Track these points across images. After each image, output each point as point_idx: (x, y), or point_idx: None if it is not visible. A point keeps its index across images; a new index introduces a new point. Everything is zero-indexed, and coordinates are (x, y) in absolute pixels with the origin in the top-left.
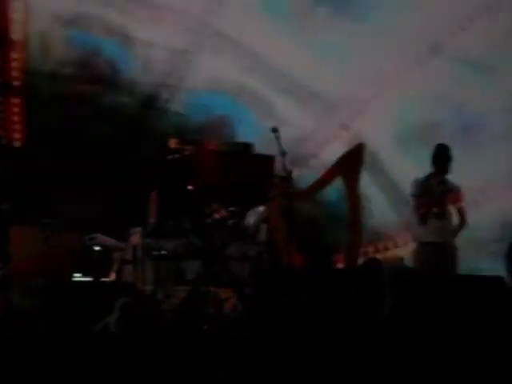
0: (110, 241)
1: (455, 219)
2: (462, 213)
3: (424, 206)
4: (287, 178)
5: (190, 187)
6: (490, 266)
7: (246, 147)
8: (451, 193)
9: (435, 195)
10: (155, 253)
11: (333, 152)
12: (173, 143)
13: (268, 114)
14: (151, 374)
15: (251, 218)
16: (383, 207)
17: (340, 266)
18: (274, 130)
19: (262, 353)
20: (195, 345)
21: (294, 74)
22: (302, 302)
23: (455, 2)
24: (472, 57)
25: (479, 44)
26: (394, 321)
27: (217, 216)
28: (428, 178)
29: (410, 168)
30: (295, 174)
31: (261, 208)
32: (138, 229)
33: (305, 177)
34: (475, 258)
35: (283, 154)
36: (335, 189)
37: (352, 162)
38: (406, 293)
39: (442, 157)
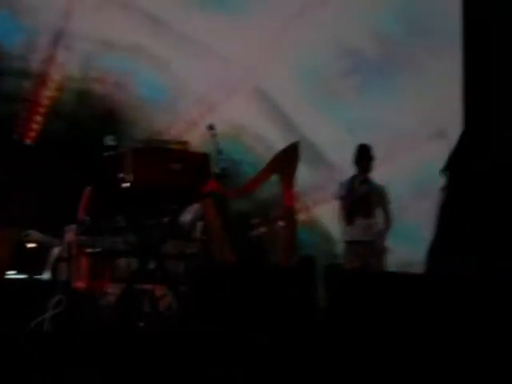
0: (44, 238)
1: (381, 218)
2: (387, 212)
3: (349, 206)
4: (223, 175)
5: (125, 185)
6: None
7: (182, 144)
8: (375, 194)
9: (359, 195)
10: (90, 250)
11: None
12: (109, 140)
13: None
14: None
15: (187, 216)
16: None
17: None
18: (211, 128)
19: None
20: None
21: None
22: (235, 299)
23: None
24: None
25: None
26: (327, 318)
27: None
28: (351, 179)
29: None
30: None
31: (197, 206)
32: (73, 226)
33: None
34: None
35: (219, 152)
36: (270, 186)
37: (288, 159)
38: (339, 290)
39: (363, 157)
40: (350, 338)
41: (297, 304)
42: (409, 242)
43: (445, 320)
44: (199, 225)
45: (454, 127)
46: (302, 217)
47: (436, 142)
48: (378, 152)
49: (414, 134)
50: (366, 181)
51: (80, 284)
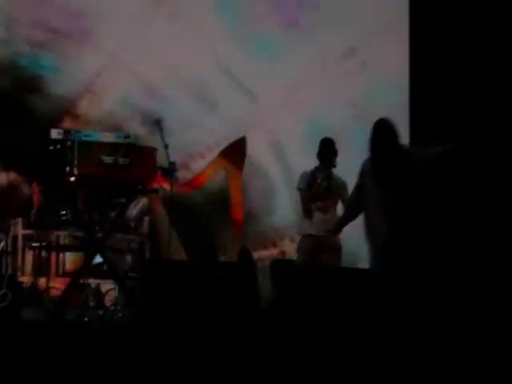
0: None
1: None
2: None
3: (308, 200)
4: (170, 170)
5: (71, 178)
6: None
7: (129, 138)
8: (336, 189)
9: (319, 189)
10: (36, 244)
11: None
12: (54, 133)
13: None
14: None
15: (133, 210)
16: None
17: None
18: (158, 122)
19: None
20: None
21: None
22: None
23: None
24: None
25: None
26: (275, 314)
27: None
28: (314, 172)
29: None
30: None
31: (143, 200)
32: (19, 219)
33: None
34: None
35: (166, 146)
36: (218, 179)
37: (235, 153)
38: (288, 286)
39: (326, 151)
40: (294, 334)
41: (240, 298)
42: None
43: (387, 314)
44: (146, 219)
45: None
46: None
47: None
48: None
49: None
50: (329, 176)
51: (25, 278)
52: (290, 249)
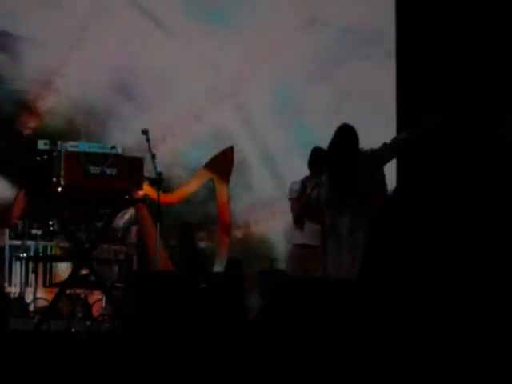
0: None
1: None
2: None
3: (299, 209)
4: (157, 180)
5: (58, 189)
6: None
7: (115, 149)
8: None
9: (310, 198)
10: (23, 254)
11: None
12: (41, 144)
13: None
14: None
15: (121, 220)
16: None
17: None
18: (144, 132)
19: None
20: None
21: None
22: (167, 304)
23: None
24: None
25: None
26: (262, 324)
27: None
28: (304, 181)
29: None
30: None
31: (130, 210)
32: (6, 230)
33: None
34: None
35: (153, 156)
36: (205, 189)
37: (222, 163)
38: (276, 296)
39: (316, 160)
40: (282, 345)
41: (227, 309)
42: None
43: (377, 325)
44: (133, 230)
45: None
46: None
47: None
48: None
49: None
50: (318, 185)
51: (12, 289)
52: None
